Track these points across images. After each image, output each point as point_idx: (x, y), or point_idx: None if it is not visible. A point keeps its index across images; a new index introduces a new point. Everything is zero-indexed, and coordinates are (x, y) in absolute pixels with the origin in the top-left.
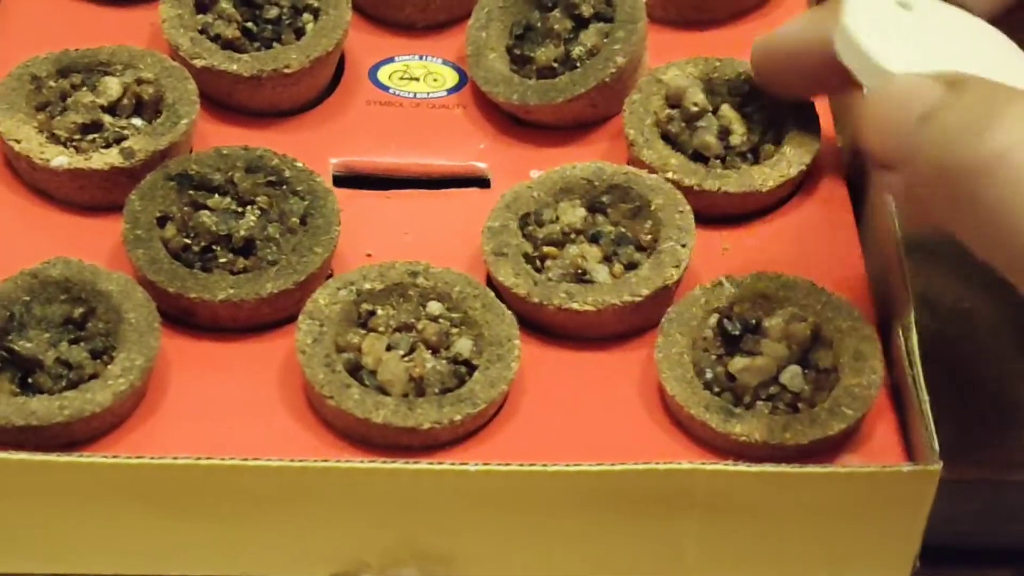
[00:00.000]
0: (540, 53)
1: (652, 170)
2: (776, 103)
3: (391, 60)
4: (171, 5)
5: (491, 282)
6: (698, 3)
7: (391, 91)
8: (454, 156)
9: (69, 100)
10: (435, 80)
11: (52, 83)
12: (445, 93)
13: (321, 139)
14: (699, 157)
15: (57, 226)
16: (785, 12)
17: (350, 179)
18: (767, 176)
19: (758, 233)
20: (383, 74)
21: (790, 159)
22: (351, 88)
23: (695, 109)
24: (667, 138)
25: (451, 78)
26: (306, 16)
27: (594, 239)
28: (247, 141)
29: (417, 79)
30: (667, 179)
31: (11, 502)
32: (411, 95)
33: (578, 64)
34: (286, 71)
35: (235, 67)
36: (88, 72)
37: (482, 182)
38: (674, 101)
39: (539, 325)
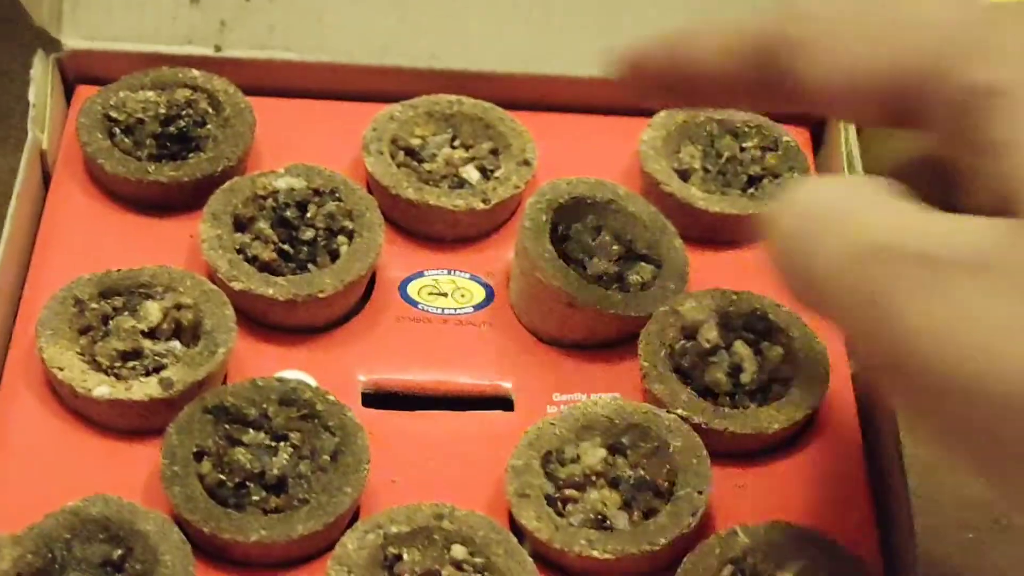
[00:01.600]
0: (594, 262)
1: (663, 404)
2: (790, 342)
3: (421, 275)
4: (210, 225)
5: (513, 521)
6: (719, 224)
7: (420, 307)
8: (479, 374)
9: (111, 324)
10: (462, 295)
11: (94, 305)
12: (472, 309)
13: (351, 356)
14: (709, 392)
15: (97, 452)
16: None
17: (378, 397)
18: (773, 419)
19: (769, 472)
20: (412, 289)
21: (798, 401)
22: (381, 303)
23: (708, 345)
24: (679, 371)
25: (478, 293)
26: (340, 238)
27: (614, 484)
28: (280, 358)
29: (445, 295)
30: (676, 414)
31: None
32: (439, 311)
33: (630, 290)
34: (320, 295)
35: (271, 291)
36: (129, 294)
37: (506, 402)
38: (689, 333)
39: (560, 567)
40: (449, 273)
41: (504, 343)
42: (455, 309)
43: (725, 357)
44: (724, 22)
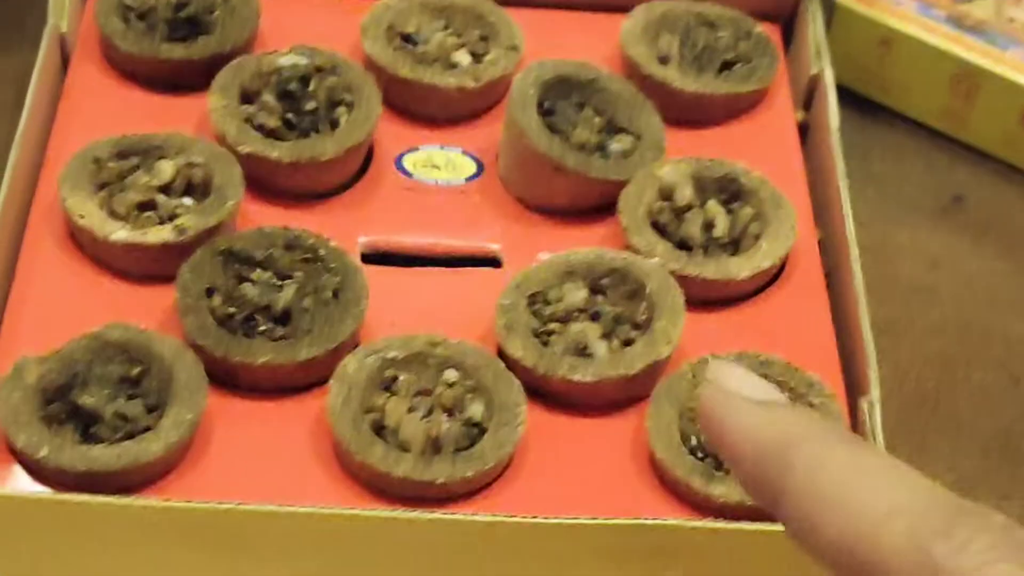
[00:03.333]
0: (577, 132)
1: (641, 254)
2: (759, 203)
3: (416, 149)
4: (219, 96)
5: (502, 353)
6: (694, 104)
7: (415, 177)
8: (470, 238)
9: (127, 180)
10: (455, 168)
11: (112, 164)
12: (464, 180)
13: (351, 220)
14: (684, 246)
15: (116, 293)
16: (775, 115)
17: (377, 256)
18: (742, 266)
19: (742, 315)
20: (408, 162)
21: (766, 251)
22: (379, 173)
23: (683, 203)
24: (656, 227)
25: (469, 167)
26: (340, 109)
27: (594, 317)
28: (286, 220)
29: (439, 167)
30: (653, 261)
31: (73, 539)
32: (433, 181)
33: (612, 157)
34: (321, 159)
35: (276, 154)
36: (145, 155)
37: (494, 262)
38: (666, 194)
39: (544, 393)
40: (442, 148)
41: (494, 210)
42: (448, 180)
43: (699, 214)
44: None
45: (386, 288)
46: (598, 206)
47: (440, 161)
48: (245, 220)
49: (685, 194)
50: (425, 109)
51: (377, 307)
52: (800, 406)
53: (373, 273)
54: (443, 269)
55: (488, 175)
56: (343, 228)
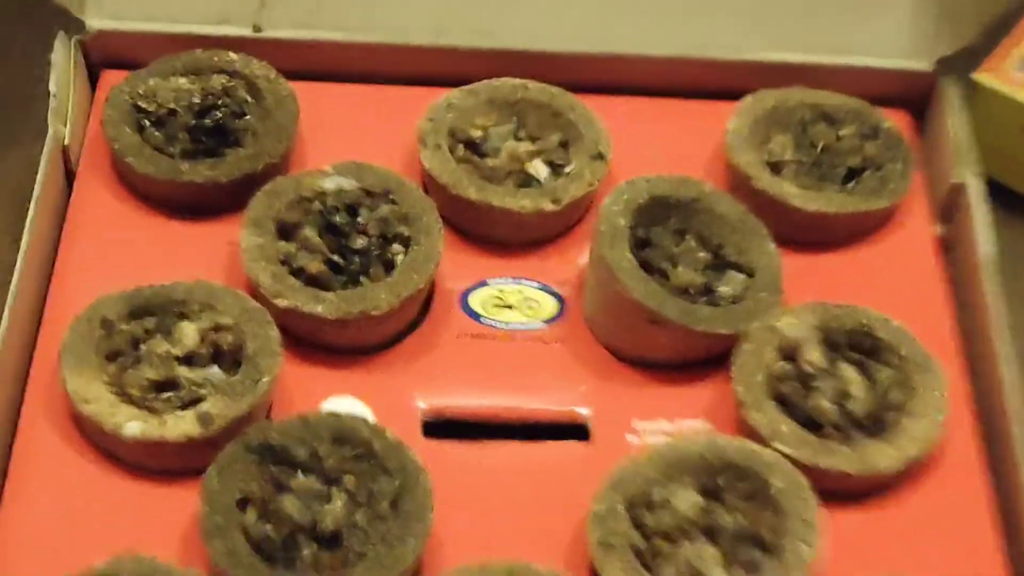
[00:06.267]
0: (679, 272)
1: (760, 436)
2: (901, 362)
3: (484, 284)
4: (252, 232)
5: (596, 574)
6: (815, 223)
7: (484, 321)
8: (551, 399)
9: (142, 349)
10: (531, 308)
11: (124, 327)
12: (542, 323)
13: (409, 379)
14: (813, 423)
15: (127, 496)
16: (907, 235)
17: (440, 425)
18: (887, 455)
19: (886, 512)
20: (475, 300)
21: (913, 433)
22: (441, 317)
23: (811, 368)
24: (778, 397)
25: (548, 306)
26: (395, 246)
27: (710, 534)
28: (330, 382)
29: (512, 306)
30: (776, 449)
31: None
32: (505, 325)
33: (720, 303)
34: (374, 313)
35: (320, 309)
36: (162, 314)
37: (581, 432)
38: (788, 354)
39: None
40: (516, 282)
41: (578, 362)
42: (523, 323)
43: (830, 382)
44: None
45: (452, 471)
46: (706, 359)
47: (513, 299)
48: (283, 381)
49: (812, 357)
50: (495, 233)
51: (441, 495)
52: None
53: (436, 451)
54: (519, 443)
55: (571, 315)
56: (399, 390)
